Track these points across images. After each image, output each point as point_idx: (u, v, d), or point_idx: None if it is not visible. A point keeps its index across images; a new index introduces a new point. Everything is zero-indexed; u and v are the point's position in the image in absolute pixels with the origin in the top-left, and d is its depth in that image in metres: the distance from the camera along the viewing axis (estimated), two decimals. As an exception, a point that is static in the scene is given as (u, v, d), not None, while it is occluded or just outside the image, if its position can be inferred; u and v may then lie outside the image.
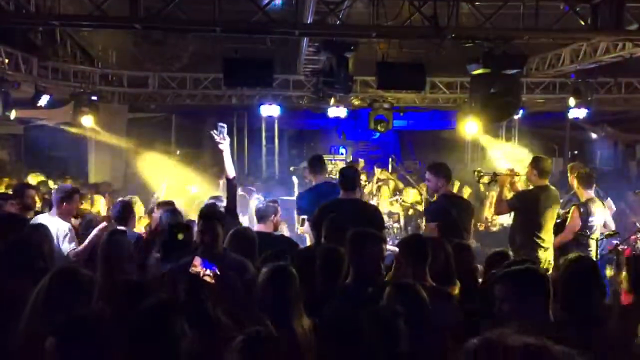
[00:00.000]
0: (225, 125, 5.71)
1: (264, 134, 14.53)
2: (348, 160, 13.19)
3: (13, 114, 9.53)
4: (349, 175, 5.57)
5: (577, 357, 1.57)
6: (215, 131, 5.68)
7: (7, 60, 9.44)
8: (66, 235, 5.35)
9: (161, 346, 2.63)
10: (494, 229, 9.63)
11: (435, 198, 6.06)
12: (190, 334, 2.70)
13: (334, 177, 9.03)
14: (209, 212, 4.74)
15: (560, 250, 5.95)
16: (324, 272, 3.93)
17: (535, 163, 6.23)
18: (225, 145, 5.68)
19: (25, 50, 9.85)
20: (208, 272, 3.27)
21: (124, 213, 5.51)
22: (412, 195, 10.69)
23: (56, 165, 13.21)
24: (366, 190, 10.17)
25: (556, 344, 1.56)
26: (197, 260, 3.32)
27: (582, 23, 6.89)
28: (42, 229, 4.65)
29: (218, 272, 3.29)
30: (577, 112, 11.59)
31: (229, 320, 3.14)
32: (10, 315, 2.96)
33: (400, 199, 10.61)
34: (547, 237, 6.02)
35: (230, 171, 5.68)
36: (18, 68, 9.70)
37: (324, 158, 6.55)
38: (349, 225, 4.22)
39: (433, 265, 3.96)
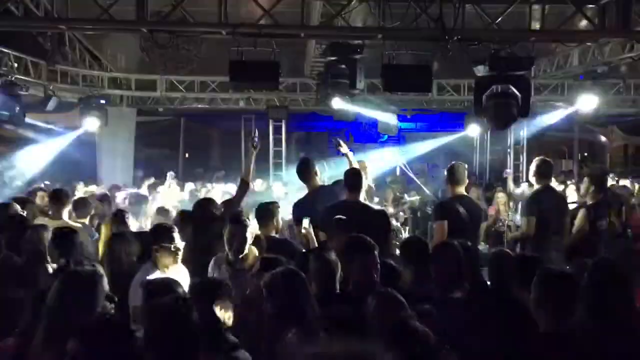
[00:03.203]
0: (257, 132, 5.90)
1: (271, 137, 14.54)
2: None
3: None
4: (354, 177, 5.55)
5: None
6: (252, 136, 5.82)
7: (16, 65, 9.53)
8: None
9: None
10: (503, 229, 9.55)
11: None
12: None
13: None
14: (237, 216, 4.67)
15: (570, 252, 5.92)
16: (317, 279, 3.88)
17: (534, 165, 6.26)
18: (256, 149, 5.78)
19: (34, 54, 9.94)
20: None
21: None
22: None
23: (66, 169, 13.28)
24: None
25: None
26: None
27: (590, 24, 6.86)
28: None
29: None
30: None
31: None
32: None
33: (409, 201, 10.58)
34: (555, 239, 5.98)
35: (249, 174, 5.73)
36: (27, 72, 9.78)
37: (312, 160, 6.51)
38: (354, 229, 4.20)
39: (443, 268, 3.96)
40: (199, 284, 3.54)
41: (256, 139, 5.84)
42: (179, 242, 4.37)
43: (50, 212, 5.92)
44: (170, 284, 3.43)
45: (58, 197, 5.77)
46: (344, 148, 7.05)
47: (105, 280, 3.11)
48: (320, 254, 3.94)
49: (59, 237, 4.41)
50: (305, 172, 6.23)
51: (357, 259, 3.77)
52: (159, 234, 4.38)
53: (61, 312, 2.88)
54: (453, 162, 6.11)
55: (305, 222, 5.49)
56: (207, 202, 5.60)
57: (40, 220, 5.59)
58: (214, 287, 3.36)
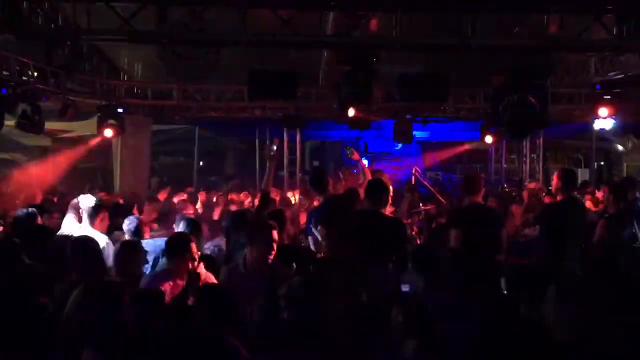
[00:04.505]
0: (278, 141, 5.79)
1: (285, 145, 14.59)
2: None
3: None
4: (373, 187, 5.57)
5: None
6: (268, 145, 5.78)
7: (35, 74, 9.64)
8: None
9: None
10: (522, 240, 9.46)
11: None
12: None
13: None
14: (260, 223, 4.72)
15: (591, 263, 5.88)
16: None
17: (562, 175, 6.12)
18: (273, 159, 5.72)
19: (53, 63, 10.04)
20: None
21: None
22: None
23: (83, 177, 13.43)
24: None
25: None
26: None
27: (608, 33, 6.83)
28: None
29: None
30: (603, 123, 11.39)
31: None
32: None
33: (422, 211, 10.53)
34: (576, 250, 5.91)
35: (270, 186, 5.68)
36: (46, 81, 9.89)
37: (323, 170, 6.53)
38: (370, 238, 4.21)
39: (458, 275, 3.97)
40: None
41: (272, 148, 5.83)
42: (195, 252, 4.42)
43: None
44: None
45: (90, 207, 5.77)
46: (356, 156, 7.10)
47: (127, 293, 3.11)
48: (346, 264, 3.97)
49: (77, 247, 4.41)
50: (319, 182, 6.26)
51: (372, 271, 3.81)
52: (177, 244, 4.43)
53: (81, 323, 2.89)
54: (468, 172, 6.13)
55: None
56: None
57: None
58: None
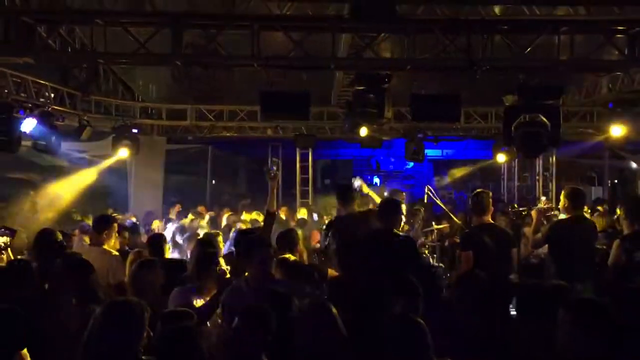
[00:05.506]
0: (278, 161, 5.84)
1: (298, 164, 14.65)
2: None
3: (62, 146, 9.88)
4: (386, 207, 5.60)
5: None
6: (268, 166, 5.83)
7: (52, 95, 9.81)
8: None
9: None
10: (534, 260, 9.39)
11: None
12: None
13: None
14: (263, 239, 4.78)
15: (606, 284, 5.82)
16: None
17: (569, 193, 6.08)
18: (274, 179, 5.77)
19: (69, 84, 10.22)
20: None
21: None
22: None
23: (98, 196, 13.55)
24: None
25: None
26: None
27: (619, 53, 6.84)
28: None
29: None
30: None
31: None
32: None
33: (435, 230, 10.49)
34: (584, 269, 5.85)
35: (273, 205, 5.72)
36: (63, 103, 10.06)
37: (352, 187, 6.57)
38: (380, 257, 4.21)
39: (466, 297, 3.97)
40: None
41: (273, 169, 5.86)
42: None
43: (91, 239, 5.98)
44: (182, 314, 3.51)
45: (97, 225, 5.86)
46: (366, 189, 7.18)
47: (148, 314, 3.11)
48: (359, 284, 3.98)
49: (67, 266, 4.35)
50: (347, 196, 6.28)
51: (402, 300, 3.81)
52: (204, 260, 4.49)
53: (103, 345, 2.90)
54: (476, 191, 6.10)
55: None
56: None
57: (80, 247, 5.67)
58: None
